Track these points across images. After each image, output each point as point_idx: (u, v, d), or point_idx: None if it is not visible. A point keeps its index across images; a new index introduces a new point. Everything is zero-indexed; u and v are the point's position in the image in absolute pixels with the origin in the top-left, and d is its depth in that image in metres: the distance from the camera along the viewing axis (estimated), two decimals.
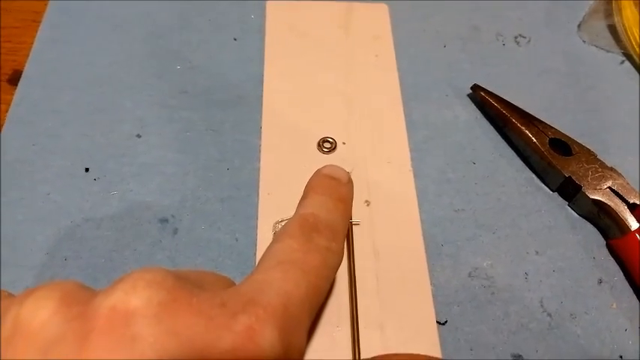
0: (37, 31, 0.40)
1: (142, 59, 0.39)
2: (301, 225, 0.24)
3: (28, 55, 0.38)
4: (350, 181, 0.29)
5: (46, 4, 0.41)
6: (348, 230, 0.31)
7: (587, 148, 0.34)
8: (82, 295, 0.18)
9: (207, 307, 0.18)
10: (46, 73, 0.38)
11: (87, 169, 0.33)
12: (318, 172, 0.28)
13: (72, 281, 0.19)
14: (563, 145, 0.34)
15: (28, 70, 0.38)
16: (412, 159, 0.35)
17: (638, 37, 0.40)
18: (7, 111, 0.35)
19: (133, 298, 0.17)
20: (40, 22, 0.40)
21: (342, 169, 0.29)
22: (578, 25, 0.43)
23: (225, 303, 0.19)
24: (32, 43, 0.39)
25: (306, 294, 0.21)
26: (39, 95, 0.36)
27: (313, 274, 0.22)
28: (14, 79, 0.37)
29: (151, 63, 0.39)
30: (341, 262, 0.25)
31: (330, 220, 0.25)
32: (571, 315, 0.30)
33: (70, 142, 0.34)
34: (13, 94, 0.36)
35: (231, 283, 0.24)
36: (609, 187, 0.32)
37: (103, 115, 0.36)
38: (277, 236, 0.24)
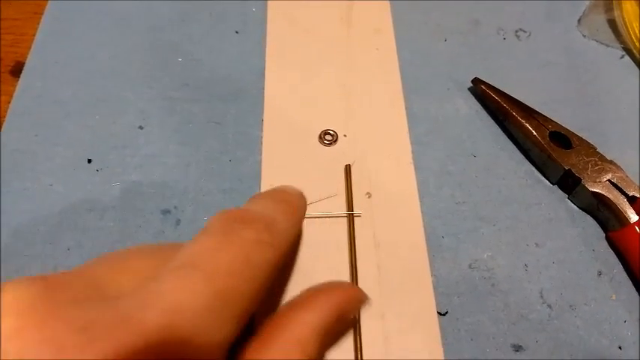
0: (38, 23, 0.40)
1: (143, 52, 0.39)
2: (222, 218, 0.21)
3: (30, 47, 0.38)
4: (301, 196, 0.26)
5: None
6: (350, 222, 0.31)
7: (587, 142, 0.34)
8: None
9: (62, 333, 0.15)
10: (48, 64, 0.38)
11: (89, 160, 0.33)
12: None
13: None
14: (563, 139, 0.35)
15: (30, 62, 0.38)
16: (413, 152, 0.35)
17: (638, 32, 0.40)
18: (9, 102, 0.35)
19: None
20: (41, 14, 0.40)
21: (293, 187, 0.26)
22: (579, 20, 0.43)
23: (90, 325, 0.16)
24: (34, 35, 0.39)
25: (206, 304, 0.18)
26: (41, 87, 0.36)
27: (221, 278, 0.18)
28: (16, 70, 0.37)
29: (152, 55, 0.39)
30: (279, 257, 0.21)
31: (267, 214, 0.22)
32: (570, 306, 0.30)
33: (72, 133, 0.34)
34: (15, 86, 0.36)
35: (162, 254, 0.20)
36: (609, 180, 0.33)
37: (105, 107, 0.36)
38: (195, 235, 0.21)
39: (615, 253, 0.32)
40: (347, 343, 0.28)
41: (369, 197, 0.33)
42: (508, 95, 0.36)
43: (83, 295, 0.17)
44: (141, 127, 0.35)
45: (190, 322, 0.17)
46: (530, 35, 0.42)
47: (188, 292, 0.18)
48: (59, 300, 0.17)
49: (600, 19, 0.43)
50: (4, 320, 0.15)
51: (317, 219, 0.31)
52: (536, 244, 0.32)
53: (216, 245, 0.19)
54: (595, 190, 0.32)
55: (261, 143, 0.35)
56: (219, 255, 0.19)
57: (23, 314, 0.16)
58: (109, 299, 0.17)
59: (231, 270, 0.19)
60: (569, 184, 0.33)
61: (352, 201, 0.32)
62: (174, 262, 0.19)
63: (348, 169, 0.33)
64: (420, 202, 0.33)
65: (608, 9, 0.43)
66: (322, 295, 0.23)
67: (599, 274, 0.31)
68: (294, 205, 0.25)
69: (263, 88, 0.37)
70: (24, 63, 0.38)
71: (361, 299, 0.25)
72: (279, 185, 0.27)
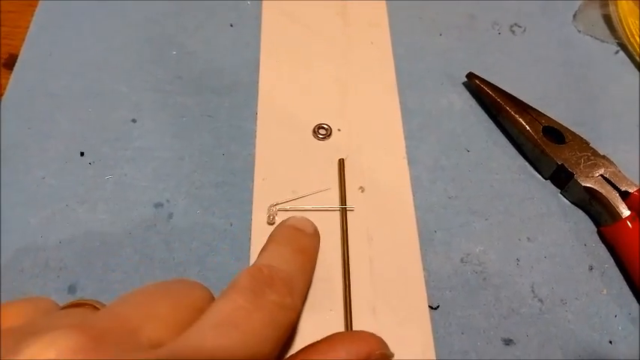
0: (32, 16, 0.40)
1: (137, 44, 0.39)
2: (253, 277, 0.22)
3: (23, 40, 0.38)
4: (316, 233, 0.28)
5: None
6: (343, 215, 0.31)
7: (580, 137, 0.34)
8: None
9: None
10: (41, 57, 0.38)
11: (82, 153, 0.33)
12: (282, 222, 0.28)
13: None
14: (556, 133, 0.35)
15: (24, 55, 0.38)
16: (407, 146, 0.35)
17: (632, 27, 0.40)
18: (2, 95, 0.35)
19: None
20: (35, 6, 0.40)
21: (309, 221, 0.28)
22: (574, 15, 0.43)
23: None
24: (28, 28, 0.39)
25: None
26: (34, 79, 0.36)
27: (255, 339, 0.20)
28: (10, 63, 0.37)
29: (146, 48, 0.39)
30: (297, 318, 0.23)
31: (288, 272, 0.24)
32: (562, 300, 0.30)
33: (65, 126, 0.34)
34: (8, 78, 0.36)
35: (200, 302, 0.22)
36: (601, 175, 0.33)
37: (98, 100, 0.36)
38: (226, 289, 0.22)
39: (607, 248, 0.32)
40: None
41: (363, 191, 0.33)
42: (502, 90, 0.36)
43: (124, 345, 0.18)
44: (134, 121, 0.35)
45: None
46: (525, 30, 0.42)
47: (229, 350, 0.19)
48: (105, 351, 0.17)
49: (595, 14, 0.43)
50: None
51: (310, 212, 0.31)
52: (528, 239, 0.32)
53: (249, 306, 0.21)
54: (587, 185, 0.32)
55: (255, 137, 0.35)
56: (252, 317, 0.21)
57: None
58: (148, 349, 0.18)
59: (261, 331, 0.21)
60: (561, 178, 0.33)
61: (345, 195, 0.32)
62: (211, 318, 0.20)
63: (341, 163, 0.33)
64: (413, 196, 0.33)
65: (603, 4, 0.43)
66: (348, 340, 0.24)
67: (591, 268, 0.31)
68: (310, 254, 0.27)
69: (257, 82, 0.37)
70: (17, 55, 0.37)
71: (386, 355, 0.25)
72: (294, 218, 0.28)
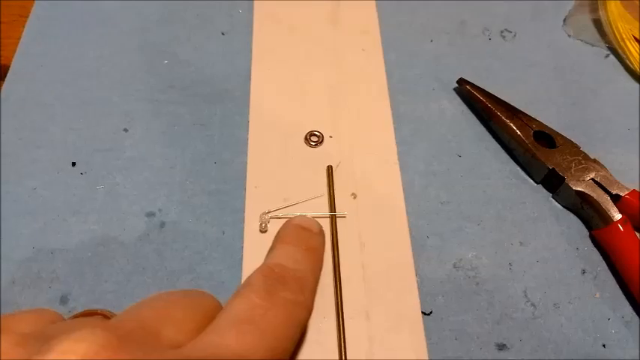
0: (24, 26, 0.40)
1: (129, 54, 0.39)
2: (266, 276, 0.23)
3: (15, 50, 0.38)
4: (321, 232, 0.28)
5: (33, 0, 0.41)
6: (333, 222, 0.31)
7: (571, 141, 0.34)
8: (14, 358, 0.17)
9: None
10: (33, 67, 0.38)
11: (73, 164, 0.33)
12: (287, 222, 0.28)
13: (7, 337, 0.17)
14: (547, 138, 0.35)
15: (15, 65, 0.38)
16: (398, 152, 0.35)
17: (622, 31, 0.41)
18: None
19: None
20: (27, 17, 0.40)
21: (314, 220, 0.28)
22: (564, 20, 0.43)
23: None
24: (19, 38, 0.39)
25: (263, 358, 0.20)
26: (26, 89, 0.36)
27: (273, 335, 0.21)
28: (1, 73, 0.37)
29: (138, 57, 0.39)
30: (309, 315, 0.24)
31: (299, 271, 0.24)
32: (555, 304, 0.30)
33: (56, 136, 0.34)
34: (0, 89, 0.36)
35: (212, 310, 0.22)
36: (592, 179, 0.33)
37: (89, 110, 0.36)
38: (239, 289, 0.22)
39: (599, 251, 0.32)
40: (331, 343, 0.28)
41: (355, 198, 0.33)
42: (493, 95, 0.37)
43: (147, 344, 0.18)
44: (126, 130, 0.35)
45: None
46: (515, 35, 0.42)
47: (250, 346, 0.20)
48: (130, 349, 0.17)
49: (585, 18, 0.43)
50: None
51: None
52: (521, 243, 0.32)
53: (265, 304, 0.21)
54: (579, 189, 0.32)
55: (247, 145, 0.35)
56: (268, 314, 0.21)
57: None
58: (170, 348, 0.19)
59: (279, 329, 0.21)
60: (553, 183, 0.34)
61: (334, 202, 0.32)
62: (229, 316, 0.21)
63: (330, 170, 0.33)
64: (405, 202, 0.33)
65: (593, 9, 0.43)
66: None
67: (583, 272, 0.31)
68: (318, 253, 0.27)
69: (249, 90, 0.37)
70: (9, 66, 0.37)
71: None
72: (300, 218, 0.29)
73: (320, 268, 0.27)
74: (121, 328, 0.19)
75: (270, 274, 0.23)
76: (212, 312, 0.22)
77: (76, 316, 0.23)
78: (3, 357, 0.16)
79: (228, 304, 0.22)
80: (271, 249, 0.27)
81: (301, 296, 0.23)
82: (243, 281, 0.29)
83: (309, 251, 0.26)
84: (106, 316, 0.23)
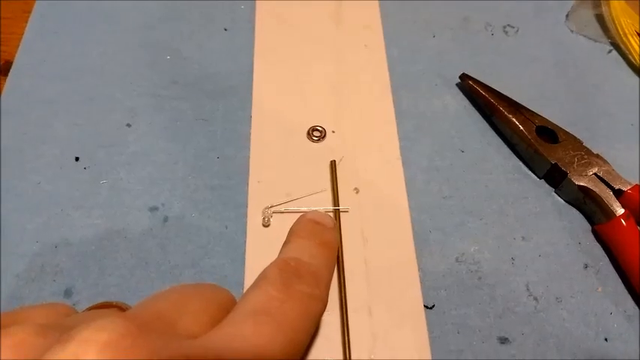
0: (27, 22, 0.40)
1: (132, 50, 0.39)
2: (282, 270, 0.23)
3: (18, 46, 0.38)
4: (335, 227, 0.28)
5: None
6: (336, 217, 0.31)
7: (574, 136, 0.34)
8: (34, 349, 0.17)
9: None
10: (36, 63, 0.38)
11: (77, 158, 0.33)
12: (302, 216, 0.28)
13: (26, 328, 0.17)
14: (549, 133, 0.35)
15: (19, 61, 0.38)
16: (401, 147, 0.35)
17: (625, 27, 0.40)
18: None
19: None
20: (30, 12, 0.40)
21: (327, 215, 0.28)
22: (566, 15, 0.43)
23: None
24: (22, 34, 0.39)
25: (281, 350, 0.20)
26: (29, 85, 0.36)
27: (290, 327, 0.21)
28: (5, 69, 0.37)
29: (141, 53, 0.39)
30: (324, 309, 0.24)
31: (314, 265, 0.24)
32: (557, 299, 0.30)
33: (60, 131, 0.35)
34: (3, 85, 0.36)
35: (226, 303, 0.22)
36: (595, 174, 0.33)
37: (93, 105, 0.36)
38: (256, 281, 0.23)
39: (601, 246, 0.32)
40: (335, 337, 0.28)
41: (357, 193, 0.33)
42: (495, 90, 0.37)
43: (165, 334, 0.18)
44: (129, 125, 0.35)
45: None
46: (518, 31, 0.42)
47: (267, 337, 0.20)
48: (150, 338, 0.17)
49: (588, 14, 0.43)
50: (107, 354, 0.16)
51: None
52: (523, 238, 0.32)
53: (281, 296, 0.21)
54: (581, 184, 0.32)
55: (250, 140, 0.35)
56: (285, 306, 0.21)
57: (128, 351, 0.16)
58: (188, 338, 0.18)
59: (295, 322, 0.21)
60: (555, 178, 0.34)
61: (338, 196, 0.32)
62: (246, 308, 0.21)
63: (333, 165, 0.33)
64: (408, 197, 0.33)
65: (596, 4, 0.43)
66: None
67: (586, 266, 0.31)
68: (332, 247, 0.27)
69: (251, 85, 0.37)
70: (12, 62, 0.38)
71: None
72: (313, 212, 0.28)
73: (334, 263, 0.27)
74: (139, 318, 0.19)
75: (286, 267, 0.23)
76: (227, 305, 0.22)
77: (90, 309, 0.23)
78: (23, 346, 0.16)
79: (244, 297, 0.22)
80: (286, 243, 0.26)
81: (317, 290, 0.23)
82: (246, 275, 0.30)
83: (324, 246, 0.26)
84: (121, 308, 0.23)
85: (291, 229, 0.27)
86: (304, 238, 0.26)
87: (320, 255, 0.25)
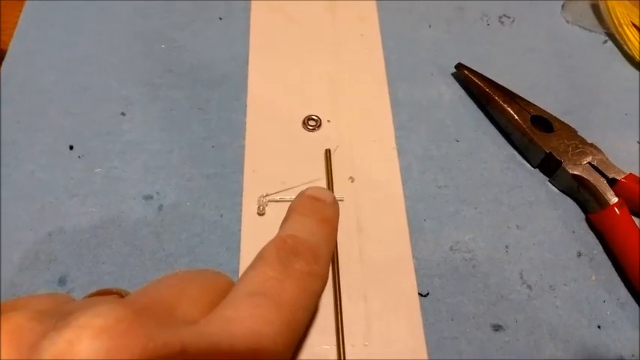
0: (21, 11, 0.40)
1: (127, 38, 0.39)
2: (279, 248, 0.22)
3: (12, 35, 0.38)
4: (335, 202, 0.27)
5: None
6: None
7: (568, 125, 0.35)
8: (31, 334, 0.16)
9: (163, 356, 0.17)
10: (30, 52, 0.37)
11: (71, 147, 0.33)
12: (301, 193, 0.27)
13: (24, 313, 0.17)
14: (544, 122, 0.35)
15: (13, 49, 0.38)
16: (396, 136, 0.35)
17: (620, 17, 0.41)
18: None
19: (78, 349, 0.15)
20: (24, 1, 0.40)
21: (327, 190, 0.28)
22: (562, 5, 0.43)
23: (185, 349, 0.17)
24: (16, 23, 0.39)
25: (279, 331, 0.20)
26: (23, 74, 0.36)
27: (288, 307, 0.20)
28: None
29: (135, 42, 0.39)
30: (325, 285, 0.23)
31: (313, 242, 0.24)
32: (550, 287, 0.30)
33: (54, 120, 0.34)
34: None
35: (226, 288, 0.22)
36: (589, 163, 0.33)
37: (87, 94, 0.36)
38: (253, 262, 0.22)
39: (595, 235, 0.32)
40: (328, 325, 0.28)
41: (352, 182, 0.33)
42: (490, 80, 0.37)
43: (163, 319, 0.18)
44: (123, 114, 0.35)
45: (267, 347, 0.19)
46: (514, 21, 0.42)
47: (264, 319, 0.19)
48: (147, 323, 0.17)
49: (583, 4, 0.43)
50: (105, 342, 0.16)
51: None
52: (517, 227, 0.32)
53: (278, 275, 0.21)
54: (575, 173, 0.32)
55: (245, 129, 0.35)
56: (283, 286, 0.21)
57: (123, 336, 0.16)
58: (185, 324, 0.19)
59: (294, 301, 0.21)
60: (550, 167, 0.34)
61: (333, 185, 0.32)
62: (243, 290, 0.21)
63: (328, 154, 0.33)
64: (403, 186, 0.33)
65: None
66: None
67: (579, 255, 0.31)
68: (332, 223, 0.26)
69: (246, 74, 0.37)
70: (6, 51, 0.37)
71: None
72: (312, 189, 0.27)
73: (334, 239, 0.27)
74: (137, 303, 0.19)
75: (282, 245, 0.23)
76: (227, 290, 0.22)
77: (90, 296, 0.23)
78: (18, 331, 0.16)
79: (241, 278, 0.22)
80: (284, 220, 0.26)
81: (315, 266, 0.23)
82: (240, 264, 0.30)
83: (323, 222, 0.25)
84: (121, 294, 0.23)
85: (290, 206, 0.27)
86: (303, 215, 0.26)
87: (319, 231, 0.25)
